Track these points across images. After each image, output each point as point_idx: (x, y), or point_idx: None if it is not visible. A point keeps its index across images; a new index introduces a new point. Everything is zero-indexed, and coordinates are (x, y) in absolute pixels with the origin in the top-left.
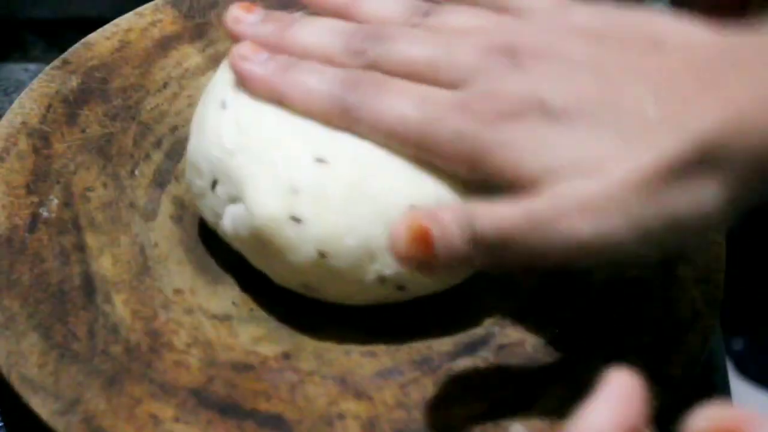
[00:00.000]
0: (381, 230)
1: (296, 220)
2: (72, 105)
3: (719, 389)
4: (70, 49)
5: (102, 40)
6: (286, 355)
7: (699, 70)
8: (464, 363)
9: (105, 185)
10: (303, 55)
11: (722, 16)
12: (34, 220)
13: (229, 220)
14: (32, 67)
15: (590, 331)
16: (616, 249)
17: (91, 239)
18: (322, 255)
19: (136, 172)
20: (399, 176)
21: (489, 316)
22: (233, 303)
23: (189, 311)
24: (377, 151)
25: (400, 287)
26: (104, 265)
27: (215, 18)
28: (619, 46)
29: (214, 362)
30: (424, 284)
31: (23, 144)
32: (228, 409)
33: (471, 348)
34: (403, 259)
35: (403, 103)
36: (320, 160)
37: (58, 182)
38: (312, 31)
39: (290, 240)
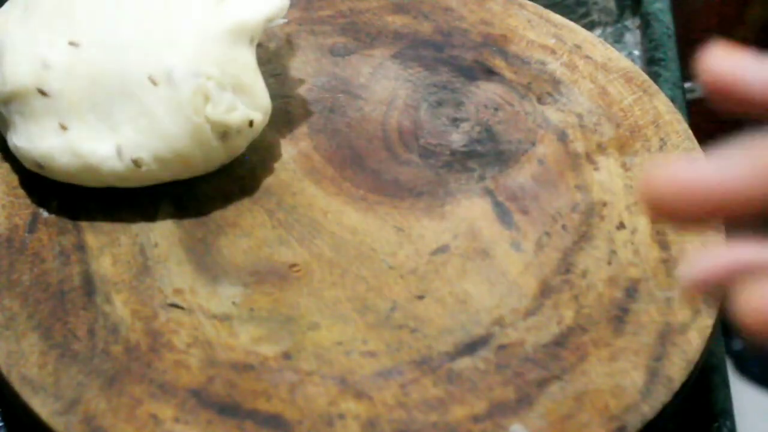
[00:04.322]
0: (122, 103)
1: (43, 93)
2: None
3: (719, 389)
4: None
5: None
6: (286, 355)
7: None
8: (464, 363)
9: None
10: None
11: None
12: (34, 220)
13: None
14: None
15: (590, 332)
16: None
17: (91, 239)
18: (63, 127)
19: None
20: (138, 54)
21: (489, 316)
22: (233, 303)
23: (189, 311)
24: (123, 36)
25: (137, 163)
26: (104, 265)
27: None
28: None
29: (214, 362)
30: (162, 165)
31: None
32: (228, 409)
33: (471, 348)
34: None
35: None
36: (73, 44)
37: (58, 182)
38: None
39: (35, 110)
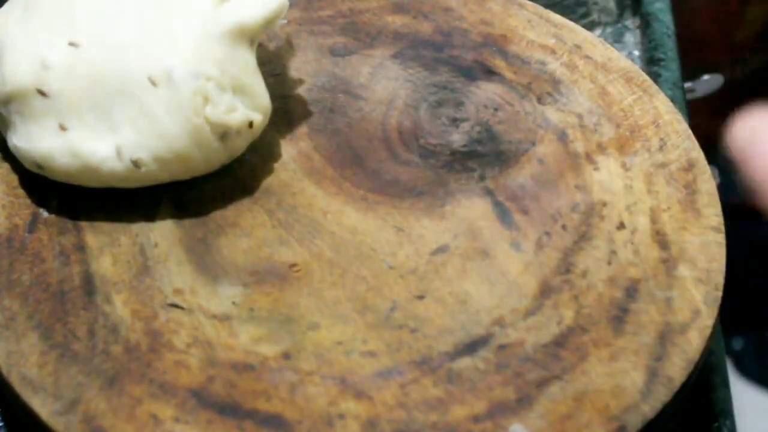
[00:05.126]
0: (122, 104)
1: (42, 93)
2: None
3: (719, 389)
4: None
5: None
6: (286, 355)
7: None
8: (464, 363)
9: None
10: None
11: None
12: (34, 220)
13: None
14: None
15: (590, 332)
16: None
17: (91, 239)
18: (62, 128)
19: None
20: (138, 55)
21: (489, 316)
22: (233, 303)
23: (189, 311)
24: (123, 36)
25: (137, 163)
26: (104, 265)
27: None
28: None
29: (214, 362)
30: (162, 166)
31: None
32: (228, 409)
33: (471, 348)
34: None
35: None
36: (73, 44)
37: (58, 182)
38: None
39: (35, 111)
